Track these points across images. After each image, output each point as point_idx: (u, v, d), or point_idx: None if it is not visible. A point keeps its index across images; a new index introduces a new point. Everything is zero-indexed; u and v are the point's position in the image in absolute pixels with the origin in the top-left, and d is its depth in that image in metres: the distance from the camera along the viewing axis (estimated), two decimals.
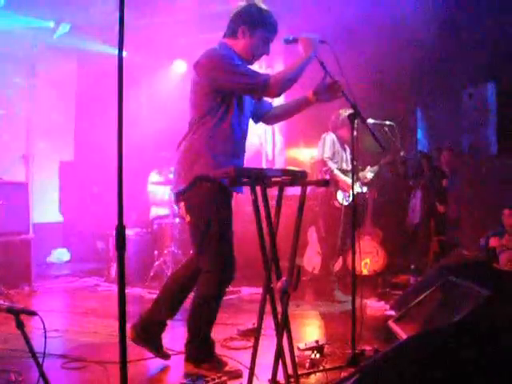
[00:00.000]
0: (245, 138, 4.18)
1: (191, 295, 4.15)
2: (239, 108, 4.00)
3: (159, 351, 4.22)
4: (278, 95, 3.90)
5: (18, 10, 8.37)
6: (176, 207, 4.28)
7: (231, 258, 3.96)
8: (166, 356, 4.24)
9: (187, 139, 3.96)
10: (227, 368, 3.99)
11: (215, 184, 3.81)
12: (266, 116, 4.35)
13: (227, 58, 3.85)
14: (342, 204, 6.81)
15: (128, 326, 2.70)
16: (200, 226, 3.90)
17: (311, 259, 7.68)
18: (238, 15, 3.98)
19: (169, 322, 4.27)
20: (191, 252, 4.23)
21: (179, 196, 3.97)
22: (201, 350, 4.04)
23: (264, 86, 3.74)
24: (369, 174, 7.01)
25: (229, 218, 3.96)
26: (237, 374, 3.95)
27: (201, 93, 3.90)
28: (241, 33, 3.95)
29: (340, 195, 6.81)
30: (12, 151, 9.34)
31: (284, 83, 3.79)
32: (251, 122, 4.28)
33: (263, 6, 4.00)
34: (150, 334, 4.17)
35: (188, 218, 3.91)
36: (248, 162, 8.87)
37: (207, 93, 3.87)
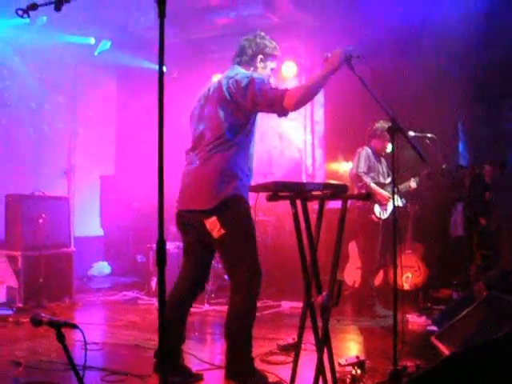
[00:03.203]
0: None
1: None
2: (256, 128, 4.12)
3: (187, 377, 4.16)
4: (297, 108, 3.87)
5: (60, 28, 8.51)
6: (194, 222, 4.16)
7: (261, 269, 3.97)
8: (197, 377, 4.21)
9: (216, 157, 3.91)
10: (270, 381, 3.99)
11: (246, 202, 3.92)
12: None
13: (255, 76, 3.92)
14: (379, 218, 6.75)
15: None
16: (238, 238, 3.90)
17: (352, 273, 7.61)
18: (255, 45, 4.15)
19: (208, 337, 4.24)
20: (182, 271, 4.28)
21: (205, 212, 3.88)
22: (244, 367, 3.92)
23: (281, 100, 3.75)
24: (412, 183, 6.94)
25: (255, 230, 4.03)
26: None
27: (236, 113, 3.93)
28: (258, 61, 4.15)
29: (377, 209, 6.76)
30: (54, 166, 9.49)
31: (300, 97, 3.77)
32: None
33: (270, 39, 4.22)
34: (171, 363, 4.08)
35: (222, 232, 3.85)
36: (288, 175, 9.00)
37: (242, 113, 3.92)
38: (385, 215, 6.76)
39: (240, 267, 3.90)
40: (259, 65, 4.16)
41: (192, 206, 3.98)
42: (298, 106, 3.82)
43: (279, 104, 3.77)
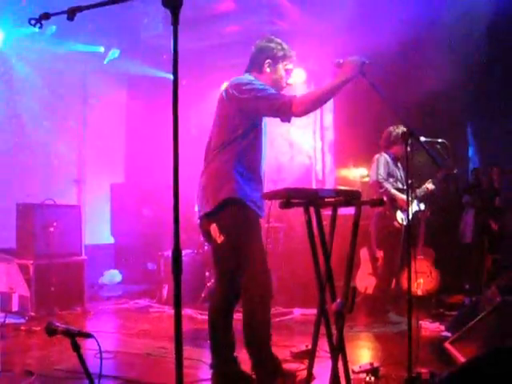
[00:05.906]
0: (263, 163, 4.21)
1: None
2: (264, 133, 4.11)
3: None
4: (303, 115, 3.90)
5: (69, 37, 8.54)
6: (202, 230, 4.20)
7: (268, 272, 3.98)
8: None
9: (215, 161, 3.98)
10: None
11: (244, 205, 3.89)
12: None
13: (254, 82, 3.97)
14: (402, 224, 6.70)
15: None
16: (236, 242, 3.90)
17: (363, 280, 7.57)
18: (261, 51, 4.16)
19: None
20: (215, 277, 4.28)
21: (208, 218, 3.97)
22: (269, 370, 3.98)
23: (289, 107, 3.77)
24: (429, 184, 6.87)
25: (260, 237, 4.01)
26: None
27: (232, 117, 3.96)
28: (266, 66, 4.12)
29: (400, 215, 6.71)
30: (64, 175, 9.51)
31: (309, 104, 3.81)
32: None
33: (279, 41, 4.20)
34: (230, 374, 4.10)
35: (221, 238, 3.88)
36: (298, 181, 8.97)
37: (238, 116, 3.94)
38: (407, 221, 6.73)
39: (242, 271, 3.92)
40: (268, 69, 4.12)
41: (200, 211, 4.06)
42: (305, 112, 3.86)
43: (285, 109, 3.80)
